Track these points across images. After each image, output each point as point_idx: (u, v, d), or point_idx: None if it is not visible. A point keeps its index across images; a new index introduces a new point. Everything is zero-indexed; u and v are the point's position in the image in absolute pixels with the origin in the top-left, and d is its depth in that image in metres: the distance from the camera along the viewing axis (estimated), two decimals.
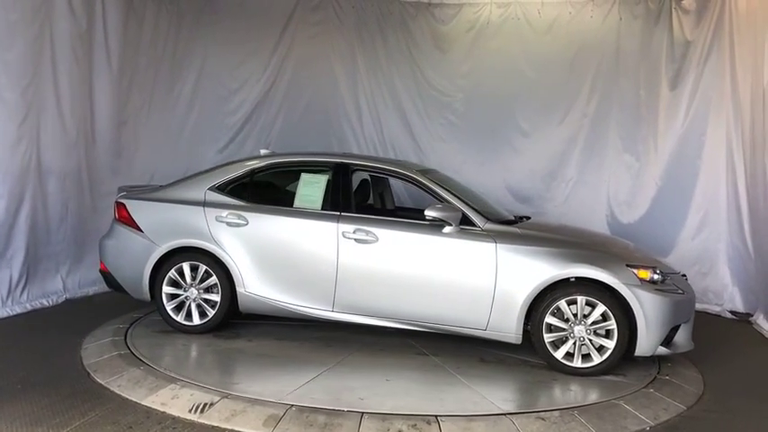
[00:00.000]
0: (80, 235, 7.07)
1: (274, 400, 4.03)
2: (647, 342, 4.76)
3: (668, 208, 7.92)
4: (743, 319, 7.30)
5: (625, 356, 4.87)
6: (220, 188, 5.60)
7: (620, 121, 8.27)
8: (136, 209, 5.64)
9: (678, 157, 7.88)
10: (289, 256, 5.31)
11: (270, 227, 5.38)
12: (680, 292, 4.98)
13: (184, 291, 5.48)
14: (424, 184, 5.39)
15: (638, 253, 5.48)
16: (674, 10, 7.94)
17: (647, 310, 4.74)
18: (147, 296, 5.56)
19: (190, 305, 5.48)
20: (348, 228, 5.18)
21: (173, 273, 5.48)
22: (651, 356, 4.96)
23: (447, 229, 5.04)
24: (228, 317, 5.51)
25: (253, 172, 5.67)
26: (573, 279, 4.85)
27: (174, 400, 4.06)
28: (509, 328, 4.92)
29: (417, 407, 4.10)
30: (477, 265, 4.98)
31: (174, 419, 3.88)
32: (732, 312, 7.50)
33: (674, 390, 4.72)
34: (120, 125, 7.63)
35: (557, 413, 4.09)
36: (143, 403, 4.08)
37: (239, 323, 5.79)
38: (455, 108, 8.95)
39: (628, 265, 4.87)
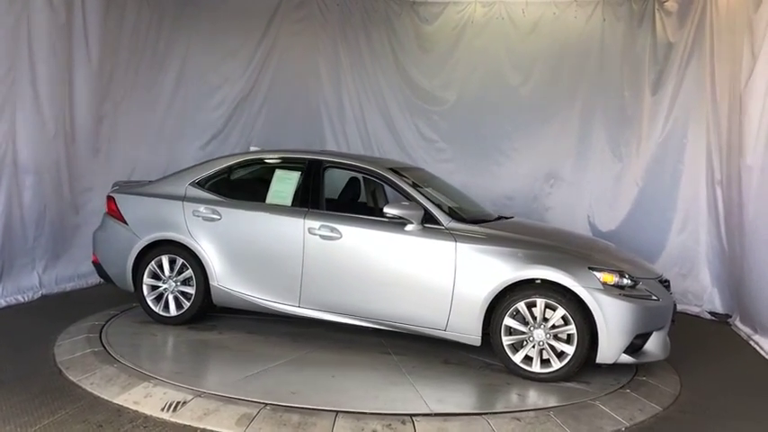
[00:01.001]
0: (58, 231, 6.98)
1: (246, 399, 3.99)
2: (608, 349, 4.60)
3: (649, 210, 7.95)
4: (722, 321, 7.33)
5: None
6: (200, 183, 5.73)
7: (604, 122, 8.30)
8: (123, 202, 5.83)
9: (660, 160, 7.91)
10: (258, 251, 5.38)
11: (241, 222, 5.47)
12: (653, 298, 4.80)
13: (163, 283, 5.60)
14: (392, 182, 5.35)
15: (619, 255, 5.40)
16: (656, 11, 7.97)
17: (609, 315, 4.56)
18: (131, 287, 5.70)
19: (167, 297, 5.60)
20: (314, 224, 5.20)
21: (153, 265, 5.63)
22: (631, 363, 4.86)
23: (409, 227, 4.99)
24: (204, 309, 5.61)
25: (231, 168, 5.84)
26: (539, 281, 4.72)
27: (146, 399, 4.00)
28: (468, 329, 4.84)
29: (344, 403, 4.03)
30: (436, 264, 4.91)
31: (146, 418, 3.83)
32: (711, 313, 7.54)
33: (650, 390, 4.73)
34: (100, 120, 7.52)
35: (532, 413, 4.09)
36: (115, 401, 4.02)
37: (218, 316, 5.85)
38: (438, 107, 8.94)
39: (590, 268, 4.70)
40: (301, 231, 5.22)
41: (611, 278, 4.69)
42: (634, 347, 4.70)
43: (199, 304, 5.53)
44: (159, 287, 5.63)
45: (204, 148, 8.86)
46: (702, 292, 7.67)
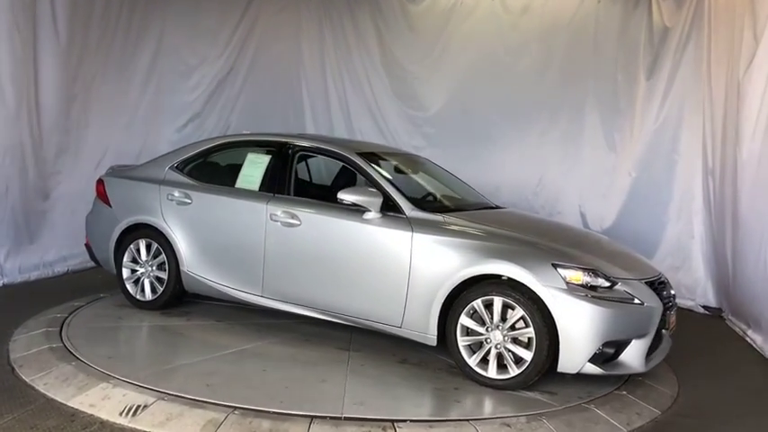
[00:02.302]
0: (22, 217, 6.59)
1: (215, 402, 3.66)
2: (569, 356, 4.05)
3: (642, 200, 7.68)
4: (715, 315, 7.12)
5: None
6: (179, 167, 5.63)
7: (597, 108, 7.99)
8: (110, 185, 5.80)
9: (654, 148, 7.63)
10: (224, 237, 5.24)
11: (209, 207, 5.34)
12: (635, 301, 4.20)
13: (141, 267, 5.55)
14: (357, 165, 4.99)
15: (611, 249, 4.95)
16: None
17: (571, 318, 4.01)
18: (114, 270, 5.68)
19: (143, 281, 5.53)
20: (276, 210, 4.96)
21: (132, 249, 5.57)
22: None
23: (367, 215, 4.63)
24: (177, 295, 5.50)
25: (208, 152, 5.68)
26: (506, 278, 4.22)
27: (104, 401, 3.67)
28: (423, 327, 4.42)
29: (246, 399, 3.74)
30: (392, 255, 4.53)
31: (102, 423, 3.49)
32: (705, 307, 7.33)
33: (647, 392, 4.45)
34: (70, 100, 7.12)
35: (523, 419, 3.79)
36: (69, 404, 3.67)
37: (198, 302, 5.68)
38: (424, 90, 8.63)
39: (555, 265, 4.14)
40: (264, 218, 4.99)
41: (579, 277, 4.12)
42: (605, 356, 4.15)
43: (171, 290, 5.42)
44: (138, 271, 5.55)
45: (180, 131, 8.51)
46: (696, 286, 7.44)
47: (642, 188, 7.68)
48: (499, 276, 4.23)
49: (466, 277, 4.26)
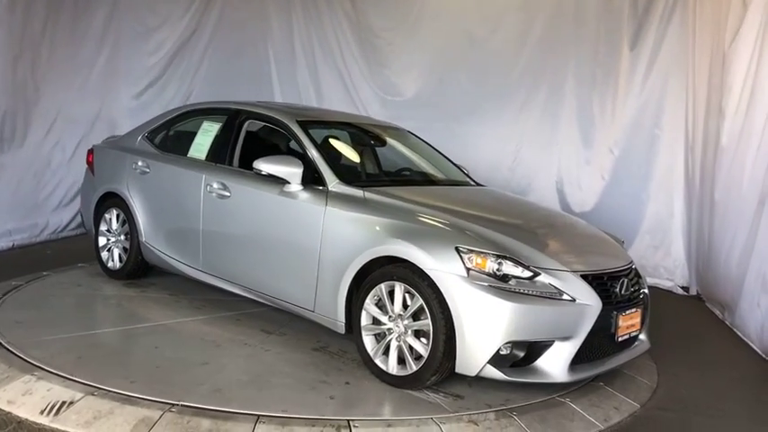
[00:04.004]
0: None
1: (151, 399, 3.29)
2: (466, 356, 3.47)
3: (623, 176, 7.40)
4: (694, 296, 6.89)
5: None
6: (149, 136, 5.55)
7: (578, 81, 7.61)
8: (97, 154, 5.79)
9: (636, 122, 7.32)
10: (172, 209, 5.08)
11: (162, 177, 5.17)
12: (564, 297, 3.57)
13: (112, 236, 5.50)
14: (293, 133, 4.59)
15: (580, 233, 4.45)
16: None
17: (468, 310, 3.44)
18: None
19: (113, 250, 5.50)
20: (212, 181, 4.73)
21: (105, 217, 5.53)
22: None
23: (288, 188, 4.27)
24: (140, 266, 5.39)
25: (173, 120, 5.55)
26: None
27: (24, 397, 3.26)
28: (333, 312, 4.00)
29: (101, 379, 3.44)
30: (305, 232, 4.15)
31: (20, 423, 3.09)
32: (684, 288, 7.11)
33: (625, 383, 4.15)
34: (15, 59, 6.59)
35: (492, 415, 3.47)
36: None
37: (168, 274, 5.36)
38: (397, 61, 8.20)
39: (458, 249, 3.57)
40: (201, 189, 4.77)
41: (485, 264, 3.52)
42: (513, 359, 3.55)
43: (133, 261, 5.35)
44: (110, 239, 5.52)
45: (138, 98, 8.07)
46: (675, 267, 7.23)
47: (623, 164, 7.38)
48: (405, 259, 3.69)
49: (369, 259, 3.81)
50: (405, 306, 3.70)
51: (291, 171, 4.23)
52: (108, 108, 7.80)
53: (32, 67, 6.83)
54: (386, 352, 3.75)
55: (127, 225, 5.33)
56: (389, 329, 3.75)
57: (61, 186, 7.29)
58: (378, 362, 3.78)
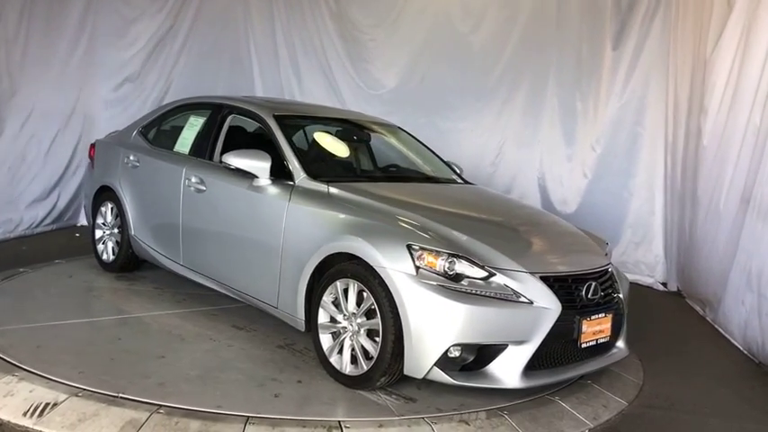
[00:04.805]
0: None
1: (138, 399, 3.22)
2: (413, 357, 3.35)
3: (605, 173, 7.42)
4: (674, 292, 6.95)
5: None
6: (143, 131, 5.59)
7: (559, 78, 7.63)
8: (98, 148, 5.87)
9: (619, 120, 7.34)
10: (157, 203, 5.10)
11: (149, 171, 5.21)
12: (522, 300, 3.43)
13: (108, 228, 5.57)
14: (268, 127, 4.54)
15: (566, 231, 4.36)
16: None
17: (415, 310, 3.32)
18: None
19: (107, 242, 5.57)
20: (191, 175, 4.73)
21: (101, 210, 5.62)
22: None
23: (257, 182, 4.24)
24: (131, 259, 5.44)
25: (164, 115, 5.58)
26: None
27: (6, 399, 3.17)
28: (293, 309, 3.93)
29: (50, 367, 3.49)
30: (269, 227, 4.11)
31: (2, 426, 3.01)
32: (664, 284, 7.15)
33: (612, 381, 4.16)
34: None
35: (483, 414, 3.45)
36: None
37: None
38: (381, 56, 8.15)
39: (409, 247, 3.45)
40: (181, 183, 4.78)
41: (435, 263, 3.41)
42: (462, 362, 3.42)
43: (124, 254, 5.41)
44: (105, 232, 5.60)
45: (116, 91, 7.92)
46: (656, 263, 7.27)
47: (605, 161, 7.40)
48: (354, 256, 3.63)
49: (325, 255, 3.73)
50: (360, 305, 3.61)
51: (259, 165, 4.20)
52: (84, 101, 7.64)
53: (7, 59, 6.66)
54: (341, 351, 3.68)
55: (119, 218, 5.39)
56: (344, 328, 3.68)
57: (37, 181, 7.13)
58: (333, 361, 3.71)
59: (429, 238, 3.54)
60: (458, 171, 5.31)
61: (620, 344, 4.06)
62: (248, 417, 3.15)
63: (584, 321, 3.62)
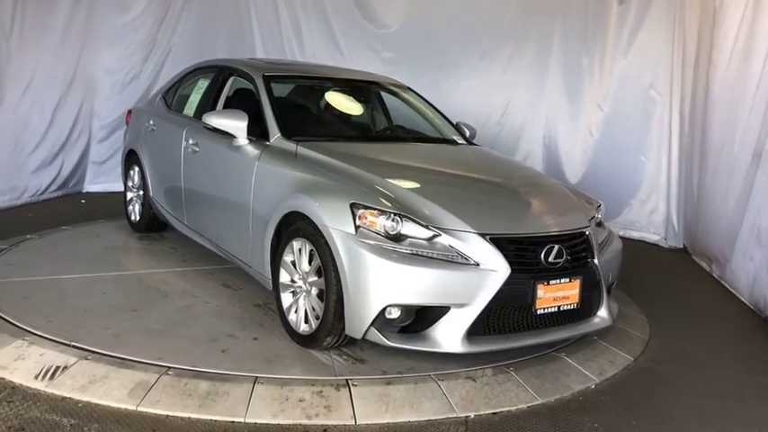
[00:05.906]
0: None
1: (147, 361, 3.25)
2: (351, 317, 3.31)
3: (611, 131, 7.35)
4: (681, 250, 6.94)
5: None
6: (164, 96, 5.73)
7: (565, 35, 7.52)
8: (133, 115, 6.04)
9: (626, 77, 7.25)
10: (167, 165, 5.19)
11: (162, 134, 5.34)
12: (469, 261, 3.30)
13: (136, 190, 5.76)
14: (256, 88, 4.50)
15: (548, 191, 4.19)
16: None
17: (352, 269, 3.26)
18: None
19: (134, 204, 5.79)
20: (189, 137, 4.84)
21: (130, 173, 5.83)
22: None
23: (235, 142, 4.26)
24: (154, 220, 5.60)
25: (181, 80, 5.68)
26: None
27: (17, 362, 3.21)
28: (262, 268, 3.93)
29: (36, 324, 3.60)
30: (242, 185, 4.13)
31: (14, 389, 3.04)
32: (669, 241, 7.14)
33: (619, 336, 4.17)
34: None
35: (489, 371, 3.48)
36: None
37: None
38: (384, 15, 8.00)
39: (352, 205, 3.38)
40: (182, 144, 4.90)
41: (376, 222, 3.33)
42: (399, 323, 3.34)
43: (146, 214, 5.59)
44: (133, 195, 5.82)
45: (116, 56, 7.78)
46: (662, 221, 7.23)
47: (612, 120, 7.33)
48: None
49: (283, 213, 3.71)
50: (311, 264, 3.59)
51: (236, 125, 4.22)
52: (87, 67, 7.57)
53: (6, 26, 6.58)
54: (298, 310, 3.68)
55: (142, 181, 5.57)
56: (300, 287, 3.67)
57: (41, 148, 7.10)
58: (290, 320, 3.71)
59: (374, 197, 3.46)
60: (467, 133, 5.16)
61: (603, 312, 3.81)
62: (256, 377, 3.18)
63: (541, 286, 3.43)
